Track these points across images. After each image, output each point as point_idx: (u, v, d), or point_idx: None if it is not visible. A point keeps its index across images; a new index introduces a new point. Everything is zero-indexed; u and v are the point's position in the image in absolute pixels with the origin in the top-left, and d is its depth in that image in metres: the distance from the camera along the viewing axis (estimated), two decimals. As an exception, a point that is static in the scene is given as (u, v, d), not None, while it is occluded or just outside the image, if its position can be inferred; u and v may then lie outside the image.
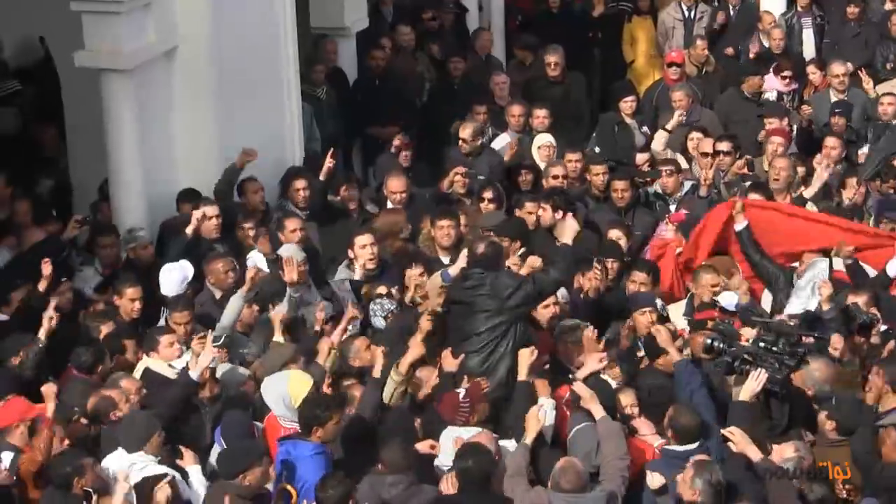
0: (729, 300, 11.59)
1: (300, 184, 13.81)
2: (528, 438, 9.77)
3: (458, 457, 9.41)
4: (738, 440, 9.54)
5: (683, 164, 14.97)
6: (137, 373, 10.86)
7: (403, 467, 9.45)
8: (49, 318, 10.91)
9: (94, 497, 9.13)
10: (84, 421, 10.12)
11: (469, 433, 9.89)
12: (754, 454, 9.47)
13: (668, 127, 15.39)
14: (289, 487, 9.23)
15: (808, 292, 11.81)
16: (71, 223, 12.97)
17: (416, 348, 10.64)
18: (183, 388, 10.40)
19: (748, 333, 10.83)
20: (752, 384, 9.96)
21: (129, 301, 11.78)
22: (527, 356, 10.40)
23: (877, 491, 9.48)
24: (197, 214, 12.77)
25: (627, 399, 10.34)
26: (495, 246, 11.47)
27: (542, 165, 14.89)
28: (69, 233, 12.94)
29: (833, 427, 9.98)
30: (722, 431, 9.71)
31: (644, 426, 10.24)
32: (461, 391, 10.14)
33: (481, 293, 10.95)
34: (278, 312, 11.51)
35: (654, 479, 9.52)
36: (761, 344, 10.26)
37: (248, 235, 13.06)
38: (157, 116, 13.57)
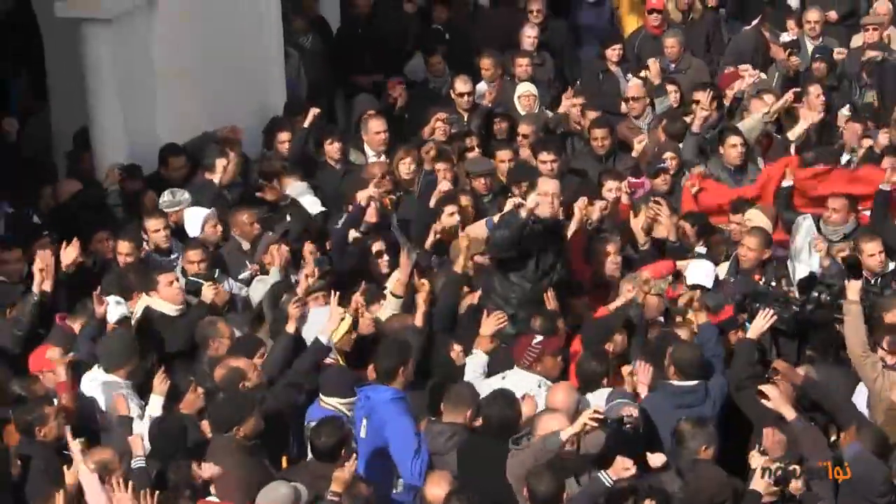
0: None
1: (284, 136, 13.82)
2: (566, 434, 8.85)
3: (485, 403, 9.39)
4: (775, 398, 9.43)
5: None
6: (138, 311, 10.85)
7: (469, 403, 9.38)
8: (40, 271, 10.81)
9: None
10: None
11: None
12: (789, 413, 9.37)
13: (649, 76, 15.34)
14: None
15: (806, 254, 11.69)
16: (110, 172, 12.96)
17: (404, 267, 10.98)
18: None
19: None
20: (760, 322, 10.14)
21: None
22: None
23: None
24: (222, 163, 12.86)
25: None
26: None
27: (522, 114, 14.79)
28: (110, 182, 12.92)
29: None
30: (760, 387, 9.56)
31: (643, 372, 10.00)
32: (539, 337, 10.12)
33: None
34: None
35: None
36: (772, 284, 10.57)
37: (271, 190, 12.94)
38: (138, 66, 13.50)
